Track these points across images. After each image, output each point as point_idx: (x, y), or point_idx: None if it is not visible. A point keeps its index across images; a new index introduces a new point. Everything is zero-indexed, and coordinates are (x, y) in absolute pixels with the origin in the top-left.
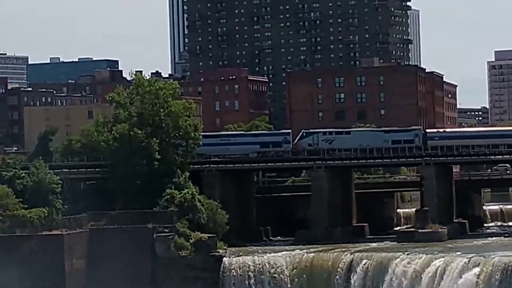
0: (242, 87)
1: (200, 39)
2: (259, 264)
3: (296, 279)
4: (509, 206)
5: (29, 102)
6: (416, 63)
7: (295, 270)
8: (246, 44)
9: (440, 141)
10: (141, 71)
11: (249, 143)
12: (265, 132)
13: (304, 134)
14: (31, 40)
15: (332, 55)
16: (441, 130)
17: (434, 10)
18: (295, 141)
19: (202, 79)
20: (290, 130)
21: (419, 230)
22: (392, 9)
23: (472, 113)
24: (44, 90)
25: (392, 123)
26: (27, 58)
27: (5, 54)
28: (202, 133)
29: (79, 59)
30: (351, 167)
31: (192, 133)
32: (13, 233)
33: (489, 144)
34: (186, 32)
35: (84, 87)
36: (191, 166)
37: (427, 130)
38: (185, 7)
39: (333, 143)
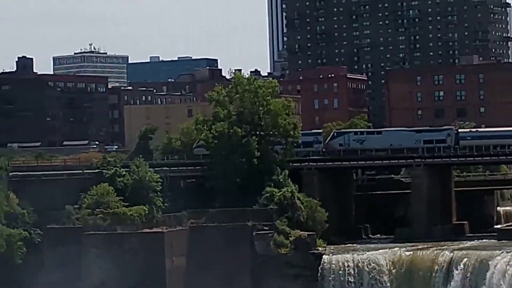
0: (341, 85)
1: (299, 37)
2: (359, 262)
3: (396, 277)
4: None
5: (129, 101)
6: None
7: (394, 268)
8: (345, 42)
9: (472, 141)
10: (240, 70)
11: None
12: (307, 131)
13: (335, 134)
14: (131, 40)
15: (431, 53)
16: (474, 129)
17: None
18: (327, 141)
19: (301, 77)
20: (321, 130)
21: None
22: (492, 7)
23: None
24: (144, 89)
25: (492, 121)
26: (127, 57)
27: (106, 53)
28: None
29: (178, 58)
30: (450, 164)
31: (291, 131)
32: (114, 230)
33: None
34: (285, 30)
35: (183, 86)
36: (291, 164)
37: (460, 130)
38: (284, 6)
39: (364, 143)
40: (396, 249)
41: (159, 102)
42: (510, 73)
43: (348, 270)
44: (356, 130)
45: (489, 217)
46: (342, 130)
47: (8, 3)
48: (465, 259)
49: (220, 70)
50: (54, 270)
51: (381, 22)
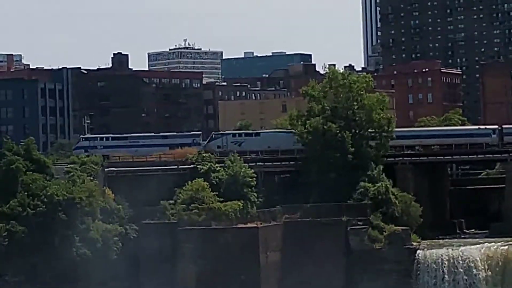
0: (435, 79)
1: (392, 32)
2: (453, 257)
3: (490, 272)
4: None
5: (224, 96)
6: None
7: (489, 263)
8: (439, 37)
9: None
10: (334, 65)
11: (158, 145)
12: (175, 134)
13: (213, 136)
14: (226, 35)
15: None
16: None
17: None
18: (205, 142)
19: (395, 72)
20: (200, 132)
21: None
22: None
23: None
24: (238, 84)
25: None
26: (221, 53)
27: (200, 49)
28: (113, 135)
29: (272, 53)
30: None
31: (386, 126)
32: (209, 226)
33: (440, 144)
34: (379, 25)
35: (277, 81)
36: (385, 159)
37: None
38: (378, 0)
39: (243, 145)
40: (491, 244)
41: (253, 98)
42: None
43: (443, 265)
44: (234, 132)
45: None
46: (221, 132)
47: (103, 1)
48: None
49: (314, 65)
50: (150, 264)
51: (475, 16)
